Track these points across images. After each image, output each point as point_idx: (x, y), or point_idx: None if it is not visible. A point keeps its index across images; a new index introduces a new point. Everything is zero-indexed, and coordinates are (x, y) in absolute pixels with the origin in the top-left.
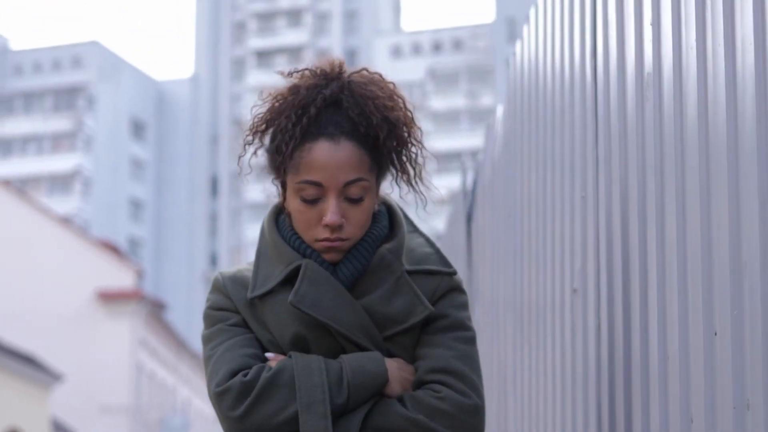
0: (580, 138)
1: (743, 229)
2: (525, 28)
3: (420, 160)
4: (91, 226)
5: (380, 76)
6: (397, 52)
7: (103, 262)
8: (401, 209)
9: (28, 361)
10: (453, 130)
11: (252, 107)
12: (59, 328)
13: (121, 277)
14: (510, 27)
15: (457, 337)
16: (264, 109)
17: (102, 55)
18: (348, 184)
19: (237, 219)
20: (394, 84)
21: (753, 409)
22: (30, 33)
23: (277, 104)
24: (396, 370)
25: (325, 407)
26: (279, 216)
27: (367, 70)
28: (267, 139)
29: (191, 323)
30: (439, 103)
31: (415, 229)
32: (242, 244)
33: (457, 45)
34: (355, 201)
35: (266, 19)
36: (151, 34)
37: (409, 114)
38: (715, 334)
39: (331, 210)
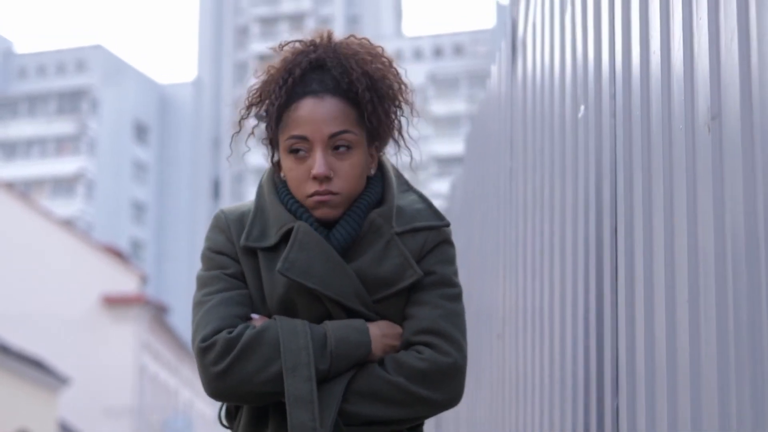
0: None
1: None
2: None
3: (402, 116)
4: (94, 228)
5: (368, 40)
6: (398, 56)
7: (108, 267)
8: (395, 168)
9: (36, 364)
10: (453, 134)
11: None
12: (65, 332)
13: (125, 282)
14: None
15: (443, 294)
16: (257, 82)
17: (106, 59)
18: (333, 136)
19: None
20: (382, 48)
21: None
22: (34, 36)
23: (267, 76)
24: (379, 337)
25: (310, 371)
26: (276, 179)
27: (355, 36)
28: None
29: None
30: (439, 107)
31: (408, 188)
32: None
33: (458, 50)
34: (342, 154)
35: (269, 23)
36: (154, 37)
37: (393, 71)
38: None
39: (317, 162)
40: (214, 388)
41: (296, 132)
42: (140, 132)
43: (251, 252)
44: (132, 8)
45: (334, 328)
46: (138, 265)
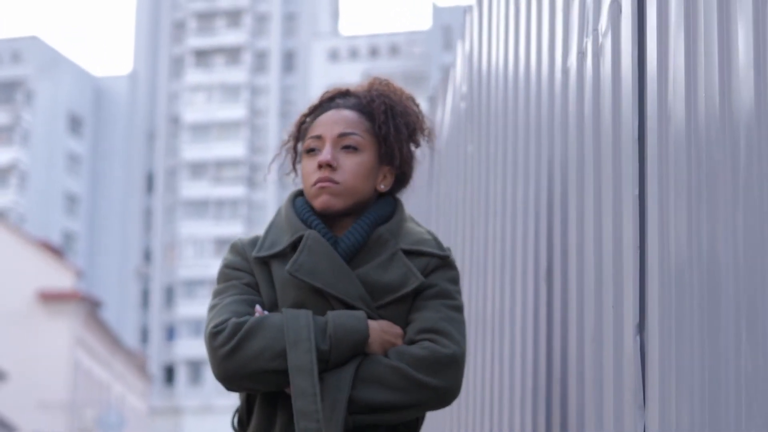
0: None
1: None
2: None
3: (410, 151)
4: (26, 219)
5: (401, 88)
6: (334, 55)
7: (43, 262)
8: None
9: None
10: None
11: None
12: (1, 326)
13: (60, 278)
14: (446, 35)
15: (444, 303)
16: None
17: (41, 50)
18: (342, 135)
19: (171, 216)
20: (412, 97)
21: None
22: None
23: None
24: (378, 331)
25: (311, 344)
26: (297, 198)
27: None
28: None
29: (123, 318)
30: None
31: (419, 225)
32: (176, 241)
33: (394, 50)
34: (350, 153)
35: (206, 18)
36: (90, 30)
37: (415, 107)
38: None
39: (324, 151)
40: (223, 369)
41: (313, 133)
42: (74, 124)
43: (264, 263)
44: (69, 0)
45: (333, 315)
46: (71, 258)
